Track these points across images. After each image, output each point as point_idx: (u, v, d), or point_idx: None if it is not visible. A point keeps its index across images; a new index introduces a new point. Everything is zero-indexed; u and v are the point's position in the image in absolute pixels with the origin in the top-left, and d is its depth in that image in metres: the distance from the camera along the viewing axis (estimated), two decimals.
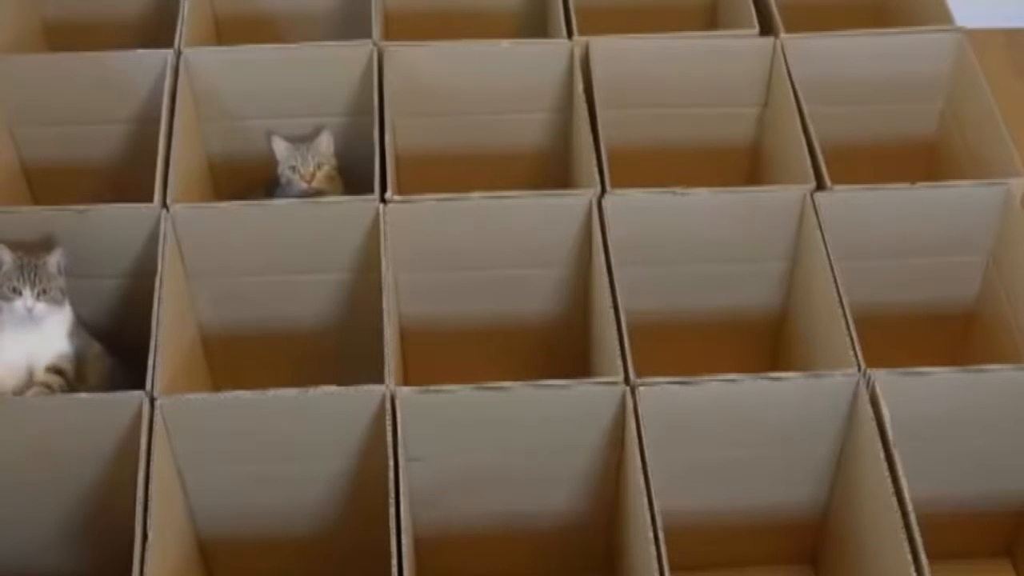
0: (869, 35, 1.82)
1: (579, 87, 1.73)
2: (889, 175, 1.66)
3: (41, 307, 1.51)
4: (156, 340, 1.45)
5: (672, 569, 1.30)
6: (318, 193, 1.74)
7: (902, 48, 1.80)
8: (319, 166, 1.74)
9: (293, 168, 1.74)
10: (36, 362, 1.53)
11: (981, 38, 1.89)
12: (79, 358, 1.56)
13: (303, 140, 1.76)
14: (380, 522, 1.35)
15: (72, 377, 1.55)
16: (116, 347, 1.64)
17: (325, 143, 1.76)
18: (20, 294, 1.50)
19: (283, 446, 1.47)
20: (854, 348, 1.45)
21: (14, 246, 1.53)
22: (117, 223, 1.58)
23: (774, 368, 1.76)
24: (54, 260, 1.53)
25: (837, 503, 1.55)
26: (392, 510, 1.35)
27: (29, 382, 1.52)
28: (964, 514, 1.59)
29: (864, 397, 1.42)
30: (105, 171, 1.83)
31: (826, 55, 1.78)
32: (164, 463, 1.40)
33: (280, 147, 1.75)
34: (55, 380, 1.52)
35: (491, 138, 1.83)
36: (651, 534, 1.32)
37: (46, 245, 1.55)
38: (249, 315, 1.70)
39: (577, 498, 1.55)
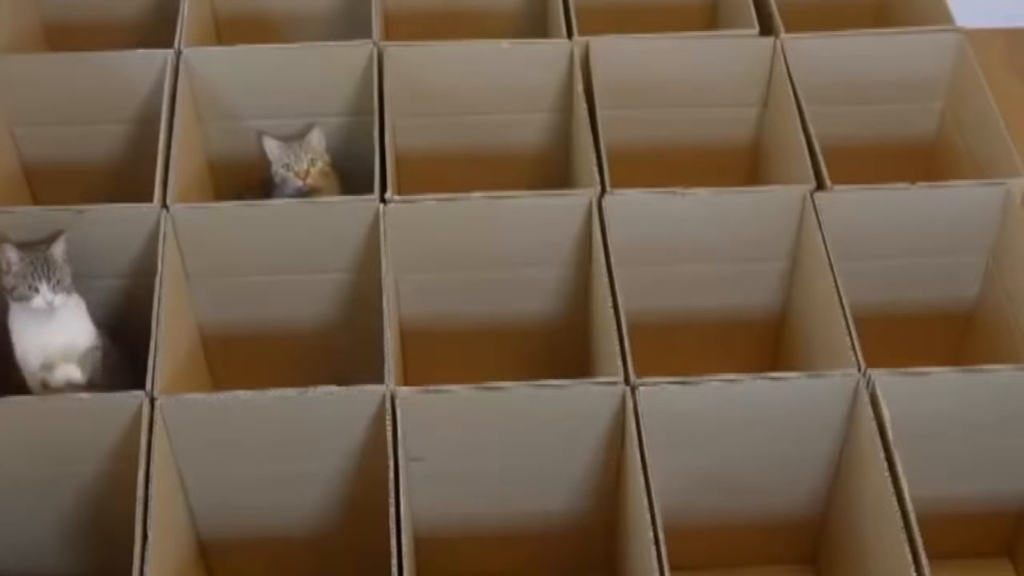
0: (869, 35, 1.82)
1: (579, 87, 1.73)
2: (889, 175, 1.66)
3: (59, 299, 1.52)
4: (156, 340, 1.45)
5: (672, 569, 1.30)
6: (313, 190, 1.74)
7: (902, 48, 1.80)
8: (312, 162, 1.74)
9: (287, 166, 1.74)
10: (73, 351, 1.54)
11: (981, 38, 1.89)
12: (104, 344, 1.58)
13: (294, 138, 1.76)
14: (380, 522, 1.35)
15: (102, 356, 1.56)
16: (115, 346, 1.64)
17: (316, 139, 1.76)
18: (37, 291, 1.51)
19: (283, 446, 1.47)
20: (854, 348, 1.45)
21: (18, 244, 1.54)
22: (117, 223, 1.58)
23: (774, 368, 1.76)
24: (59, 249, 1.53)
25: (837, 503, 1.55)
26: (392, 510, 1.35)
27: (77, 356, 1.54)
28: (964, 514, 1.59)
29: (864, 397, 1.42)
30: (105, 171, 1.83)
31: (826, 55, 1.78)
32: (164, 463, 1.40)
33: (271, 147, 1.75)
34: (97, 355, 1.55)
35: (491, 138, 1.83)
36: (651, 534, 1.32)
37: (49, 237, 1.55)
38: (249, 315, 1.70)
39: (577, 498, 1.55)
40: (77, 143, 1.82)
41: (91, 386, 1.54)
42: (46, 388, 1.54)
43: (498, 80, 1.78)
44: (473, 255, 1.64)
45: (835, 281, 1.52)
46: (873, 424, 1.40)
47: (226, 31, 1.99)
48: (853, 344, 1.45)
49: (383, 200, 1.59)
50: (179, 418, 1.42)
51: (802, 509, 1.59)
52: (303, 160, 1.74)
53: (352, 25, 1.89)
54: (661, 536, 1.32)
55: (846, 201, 1.60)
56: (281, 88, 1.78)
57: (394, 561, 1.32)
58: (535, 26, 1.96)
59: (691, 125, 1.84)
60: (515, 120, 1.83)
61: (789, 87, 1.71)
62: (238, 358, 1.74)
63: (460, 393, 1.42)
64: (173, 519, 1.45)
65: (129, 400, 1.41)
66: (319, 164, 1.75)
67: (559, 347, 1.75)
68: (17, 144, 1.82)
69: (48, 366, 1.53)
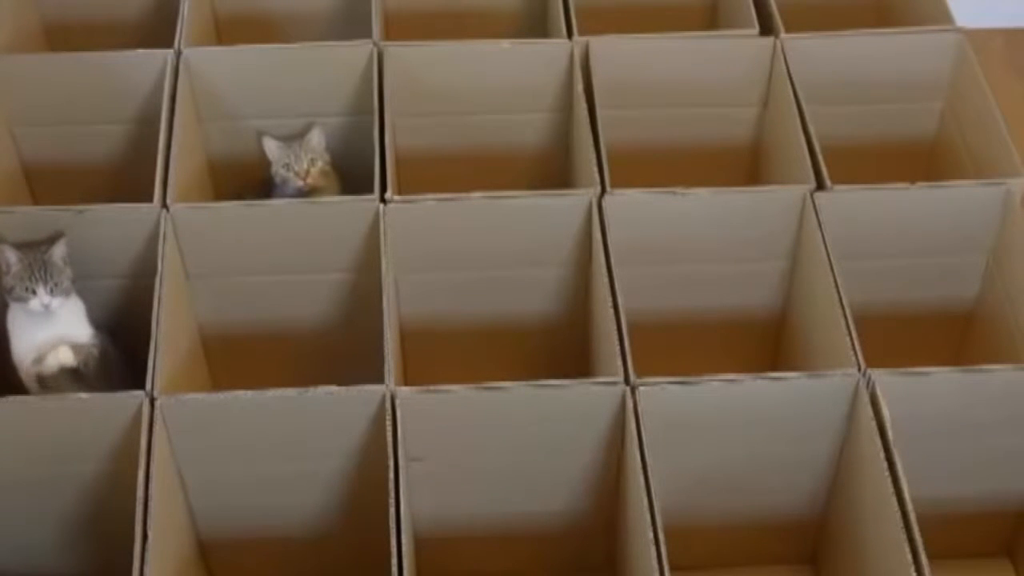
0: (869, 35, 1.82)
1: (579, 87, 1.73)
2: (889, 175, 1.66)
3: (56, 301, 1.53)
4: (156, 340, 1.45)
5: (672, 569, 1.30)
6: (314, 190, 1.74)
7: (902, 48, 1.80)
8: (312, 162, 1.74)
9: (287, 167, 1.74)
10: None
11: (981, 38, 1.89)
12: (102, 344, 1.58)
13: (294, 138, 1.76)
14: (380, 522, 1.35)
15: (99, 356, 1.56)
16: (115, 348, 1.64)
17: (316, 139, 1.76)
18: (35, 293, 1.51)
19: (283, 446, 1.47)
20: (854, 348, 1.45)
21: (18, 245, 1.54)
22: (117, 223, 1.58)
23: (774, 368, 1.76)
24: (59, 252, 1.54)
25: (837, 503, 1.55)
26: (392, 510, 1.35)
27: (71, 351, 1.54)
28: (964, 514, 1.59)
29: (864, 397, 1.42)
30: (105, 171, 1.83)
31: (826, 55, 1.78)
32: (164, 463, 1.40)
33: (272, 147, 1.75)
34: (93, 352, 1.55)
35: (491, 138, 1.83)
36: (651, 534, 1.32)
37: (49, 238, 1.55)
38: (249, 315, 1.70)
39: (577, 498, 1.55)
40: (77, 143, 1.82)
41: (84, 380, 1.55)
42: (41, 383, 1.54)
43: (498, 80, 1.78)
44: (473, 255, 1.64)
45: (835, 281, 1.52)
46: (873, 424, 1.40)
47: (226, 31, 1.99)
48: (853, 344, 1.45)
49: (383, 200, 1.59)
50: (179, 418, 1.42)
51: (802, 509, 1.59)
52: (303, 160, 1.74)
53: (352, 25, 1.89)
54: (661, 536, 1.32)
55: (846, 201, 1.60)
56: (281, 88, 1.78)
57: (394, 561, 1.32)
58: (535, 26, 1.96)
59: (691, 125, 1.84)
60: (515, 120, 1.83)
61: (789, 87, 1.71)
62: (238, 358, 1.74)
63: (460, 393, 1.42)
64: (173, 519, 1.45)
65: (129, 400, 1.41)
66: (319, 164, 1.75)
67: (559, 347, 1.75)
68: (17, 144, 1.82)
69: (40, 359, 1.54)
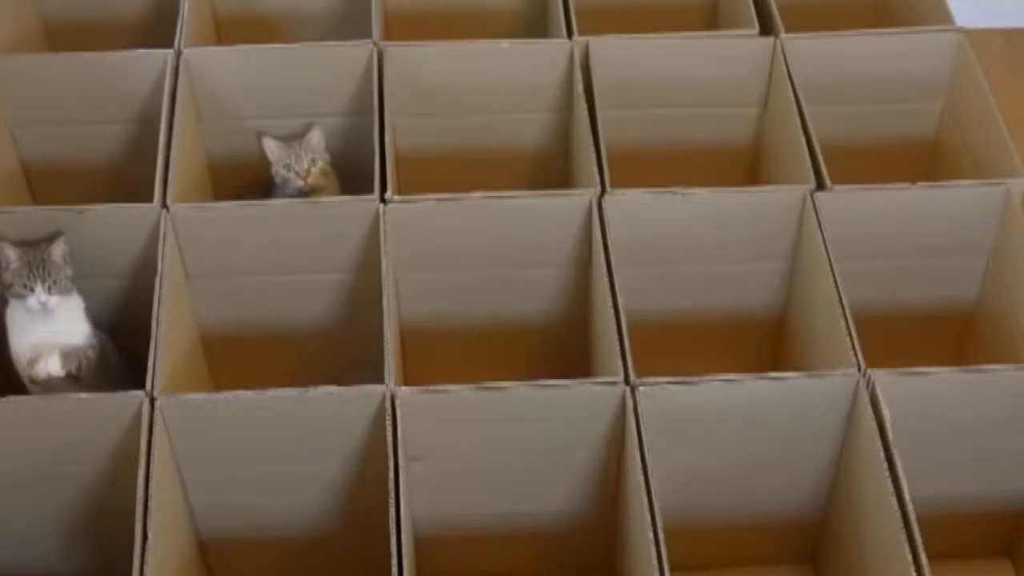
0: (869, 35, 1.82)
1: (579, 87, 1.73)
2: (889, 175, 1.66)
3: (54, 300, 1.53)
4: (156, 340, 1.45)
5: (672, 569, 1.30)
6: (314, 190, 1.74)
7: (902, 48, 1.80)
8: (313, 162, 1.74)
9: (287, 167, 1.74)
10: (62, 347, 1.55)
11: (981, 38, 1.89)
12: (100, 344, 1.58)
13: (294, 138, 1.76)
14: (380, 522, 1.35)
15: (96, 356, 1.56)
16: (116, 347, 1.64)
17: (316, 139, 1.76)
18: (32, 290, 1.51)
19: (283, 446, 1.47)
20: (854, 348, 1.45)
21: (18, 243, 1.54)
22: (117, 223, 1.58)
23: (774, 368, 1.76)
24: (59, 250, 1.54)
25: (837, 503, 1.55)
26: (392, 510, 1.35)
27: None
28: (964, 514, 1.59)
29: (864, 397, 1.42)
30: (105, 171, 1.83)
31: (826, 55, 1.78)
32: (164, 463, 1.40)
33: (272, 147, 1.75)
34: (90, 354, 1.55)
35: (491, 138, 1.83)
36: (651, 534, 1.32)
37: (49, 237, 1.55)
38: (249, 315, 1.70)
39: (577, 498, 1.55)
40: (77, 143, 1.82)
41: (80, 381, 1.54)
42: (34, 383, 1.54)
43: (498, 80, 1.78)
44: (473, 255, 1.64)
45: (835, 281, 1.52)
46: (873, 424, 1.40)
47: (226, 31, 2.00)
48: (853, 344, 1.45)
49: (383, 200, 1.59)
50: (179, 418, 1.42)
51: (802, 509, 1.59)
52: (303, 160, 1.74)
53: (352, 25, 1.89)
54: (661, 536, 1.32)
55: (846, 201, 1.60)
56: (281, 88, 1.78)
57: (394, 561, 1.32)
58: (535, 26, 1.96)
59: (691, 125, 1.84)
60: (515, 120, 1.83)
61: (789, 87, 1.71)
62: (238, 358, 1.74)
63: (460, 393, 1.42)
64: (173, 519, 1.45)
65: (129, 400, 1.41)
66: (319, 163, 1.75)
67: (559, 347, 1.75)
68: (17, 144, 1.82)
69: (34, 361, 1.54)
